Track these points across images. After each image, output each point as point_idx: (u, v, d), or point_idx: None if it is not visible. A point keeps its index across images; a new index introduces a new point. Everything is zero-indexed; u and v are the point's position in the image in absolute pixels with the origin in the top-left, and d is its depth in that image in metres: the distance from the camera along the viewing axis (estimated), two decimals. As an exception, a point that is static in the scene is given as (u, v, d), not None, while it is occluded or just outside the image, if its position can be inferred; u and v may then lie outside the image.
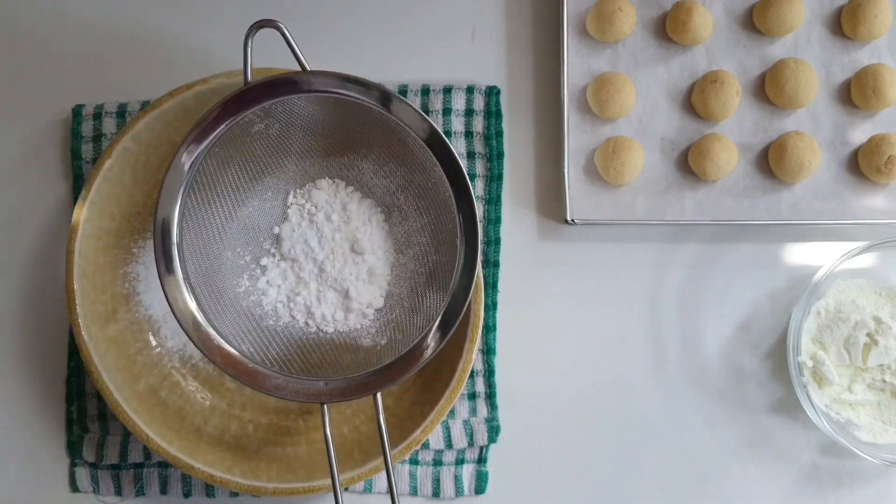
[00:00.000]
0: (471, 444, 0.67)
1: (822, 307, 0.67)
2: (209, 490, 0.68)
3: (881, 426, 0.66)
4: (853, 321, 0.66)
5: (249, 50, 0.59)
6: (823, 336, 0.66)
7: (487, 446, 0.68)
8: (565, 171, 0.68)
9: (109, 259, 0.65)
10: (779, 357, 0.69)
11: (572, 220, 0.67)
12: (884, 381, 0.66)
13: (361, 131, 0.63)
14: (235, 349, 0.60)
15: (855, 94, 0.68)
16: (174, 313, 0.59)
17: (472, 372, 0.68)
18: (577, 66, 0.69)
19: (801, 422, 0.68)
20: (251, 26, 0.59)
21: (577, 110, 0.69)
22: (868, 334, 0.65)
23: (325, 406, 0.59)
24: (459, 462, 0.68)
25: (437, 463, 0.68)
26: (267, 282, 0.65)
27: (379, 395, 0.59)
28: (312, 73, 0.59)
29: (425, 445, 0.67)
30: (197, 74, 0.64)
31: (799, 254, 0.70)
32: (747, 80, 0.69)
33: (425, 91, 0.69)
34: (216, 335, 0.59)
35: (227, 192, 0.63)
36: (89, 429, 0.68)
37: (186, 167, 0.59)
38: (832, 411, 0.66)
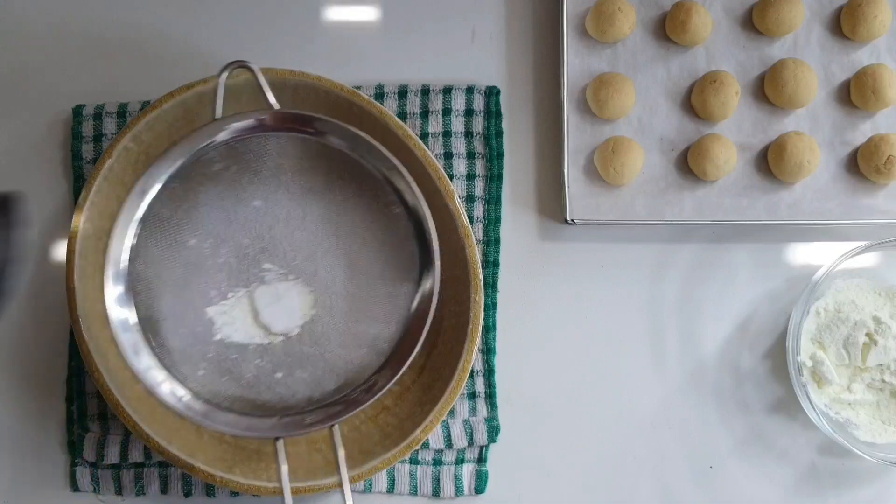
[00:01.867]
0: (471, 443, 0.67)
1: (822, 307, 0.67)
2: (209, 490, 0.68)
3: (880, 426, 0.66)
4: (852, 321, 0.66)
5: (222, 86, 0.59)
6: (823, 336, 0.67)
7: (487, 446, 0.68)
8: (565, 171, 0.68)
9: (110, 259, 0.65)
10: (778, 357, 0.69)
11: (572, 220, 0.67)
12: (883, 380, 0.66)
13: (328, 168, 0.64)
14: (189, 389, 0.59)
15: (854, 94, 0.68)
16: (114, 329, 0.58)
17: (472, 372, 0.68)
18: (576, 66, 0.69)
19: (800, 421, 0.68)
20: (227, 65, 0.59)
21: (576, 110, 0.69)
22: (867, 334, 0.66)
23: (280, 441, 0.58)
24: (459, 461, 0.68)
25: (437, 462, 0.68)
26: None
27: (336, 427, 0.58)
28: (282, 112, 0.59)
29: (425, 445, 0.67)
30: (197, 74, 0.64)
31: (798, 254, 0.70)
32: (747, 80, 0.69)
33: (425, 91, 0.69)
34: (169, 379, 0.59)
35: (196, 233, 0.63)
36: (90, 428, 0.68)
37: (144, 199, 0.59)
38: (831, 411, 0.66)
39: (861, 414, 0.67)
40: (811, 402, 0.64)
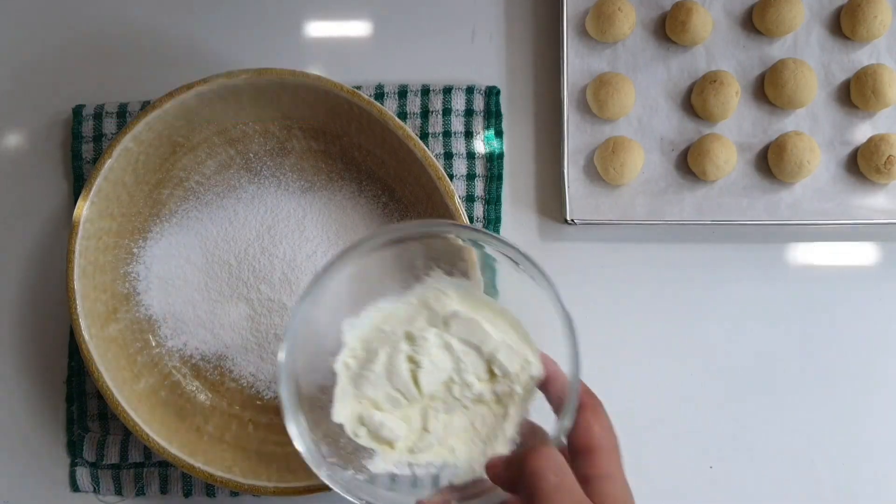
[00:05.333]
0: (470, 443, 0.67)
1: (348, 356, 0.52)
2: (209, 490, 0.68)
3: (482, 446, 0.52)
4: (383, 355, 0.51)
5: None
6: (362, 390, 0.51)
7: (487, 446, 0.68)
8: (565, 171, 0.68)
9: (110, 259, 0.65)
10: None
11: (572, 220, 0.67)
12: (455, 398, 0.52)
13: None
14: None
15: (854, 94, 0.68)
16: None
17: (472, 372, 0.68)
18: (576, 66, 0.69)
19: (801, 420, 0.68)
20: None
21: (576, 110, 0.69)
22: (408, 358, 0.52)
23: None
24: (459, 462, 0.68)
25: (437, 463, 0.68)
26: None
27: None
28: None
29: (425, 445, 0.67)
30: (197, 74, 0.64)
31: (798, 254, 0.70)
32: (747, 80, 0.69)
33: (425, 91, 0.69)
34: None
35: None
36: (90, 428, 0.68)
37: None
38: (418, 463, 0.52)
39: (459, 447, 0.52)
40: (385, 469, 0.51)
